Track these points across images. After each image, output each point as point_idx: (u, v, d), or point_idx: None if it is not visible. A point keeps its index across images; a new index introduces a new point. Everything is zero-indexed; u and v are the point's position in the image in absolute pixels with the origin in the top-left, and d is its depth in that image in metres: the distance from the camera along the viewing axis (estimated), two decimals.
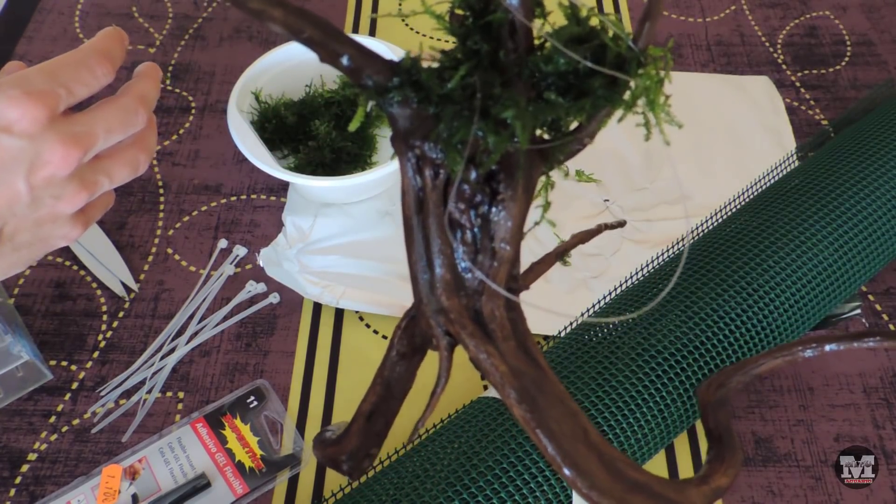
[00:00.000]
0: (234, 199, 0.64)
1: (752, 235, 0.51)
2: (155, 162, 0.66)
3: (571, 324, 0.52)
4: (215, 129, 0.69)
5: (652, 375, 0.46)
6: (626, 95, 0.24)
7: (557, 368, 0.47)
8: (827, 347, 0.35)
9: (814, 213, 0.52)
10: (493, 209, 0.25)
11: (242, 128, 0.60)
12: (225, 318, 0.57)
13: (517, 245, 0.25)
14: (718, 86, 0.72)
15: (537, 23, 0.24)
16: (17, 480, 0.50)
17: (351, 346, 0.56)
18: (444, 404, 0.53)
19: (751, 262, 0.50)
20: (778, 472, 0.51)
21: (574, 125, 0.25)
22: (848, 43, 0.77)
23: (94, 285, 0.59)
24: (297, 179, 0.57)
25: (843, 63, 0.75)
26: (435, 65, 0.25)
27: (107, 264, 0.59)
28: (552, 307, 0.57)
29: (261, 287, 0.58)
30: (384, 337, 0.57)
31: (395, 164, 0.58)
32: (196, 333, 0.56)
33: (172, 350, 0.55)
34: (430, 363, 0.57)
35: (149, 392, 0.54)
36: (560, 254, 0.30)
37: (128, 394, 0.54)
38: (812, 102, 0.72)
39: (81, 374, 0.55)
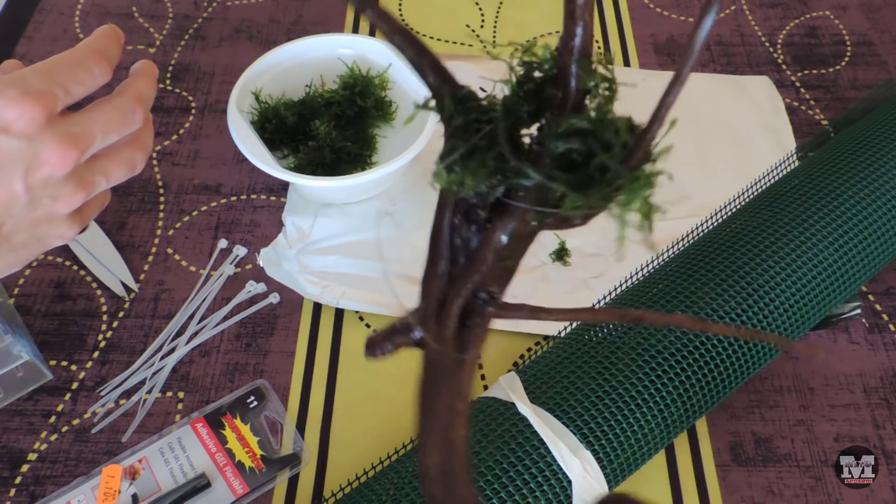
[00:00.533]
0: (234, 199, 0.64)
1: (752, 235, 0.51)
2: (155, 162, 0.66)
3: (571, 324, 0.52)
4: (215, 129, 0.69)
5: (652, 375, 0.46)
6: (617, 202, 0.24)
7: (557, 368, 0.47)
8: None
9: (814, 213, 0.52)
10: (478, 232, 0.26)
11: (242, 128, 0.60)
12: (225, 318, 0.57)
13: (483, 263, 0.26)
14: (718, 86, 0.72)
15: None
16: (17, 480, 0.50)
17: (351, 346, 0.56)
18: None
19: (751, 262, 0.50)
20: (778, 472, 0.51)
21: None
22: (848, 43, 0.77)
23: (94, 285, 0.59)
24: (297, 179, 0.57)
25: (843, 63, 0.75)
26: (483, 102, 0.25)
27: (107, 264, 0.59)
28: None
29: (261, 287, 0.58)
30: None
31: (395, 164, 0.58)
32: (196, 333, 0.57)
33: (172, 350, 0.55)
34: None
35: (149, 392, 0.54)
36: (535, 310, 0.31)
37: (128, 394, 0.54)
38: (812, 102, 0.72)
39: (81, 374, 0.55)
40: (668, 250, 0.55)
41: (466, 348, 0.29)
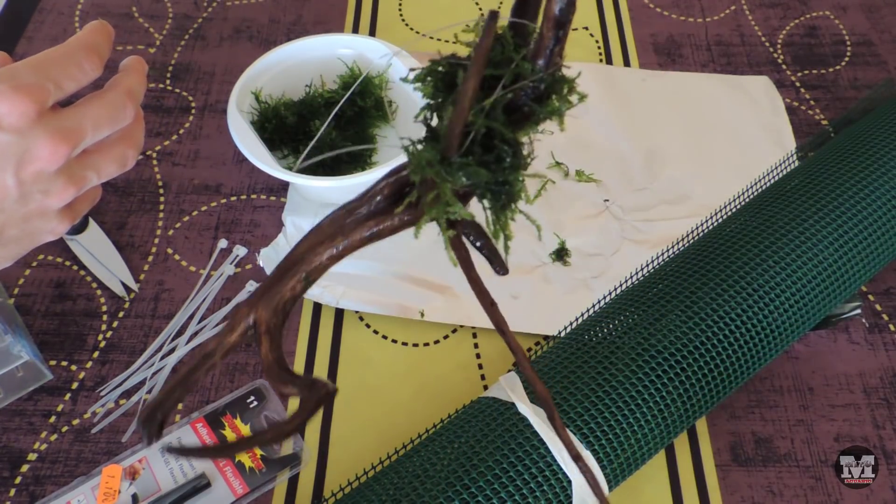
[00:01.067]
0: (234, 199, 0.64)
1: (752, 235, 0.51)
2: (155, 162, 0.66)
3: (571, 324, 0.52)
4: (215, 129, 0.69)
5: (652, 375, 0.46)
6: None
7: (557, 368, 0.47)
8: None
9: (814, 213, 0.52)
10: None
11: (242, 128, 0.60)
12: (225, 318, 0.57)
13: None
14: (718, 86, 0.72)
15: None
16: (17, 480, 0.50)
17: (351, 346, 0.56)
18: (444, 404, 0.53)
19: (751, 262, 0.50)
20: (778, 472, 0.51)
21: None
22: (848, 43, 0.77)
23: (94, 285, 0.59)
24: (297, 179, 0.57)
25: (843, 63, 0.75)
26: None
27: (107, 264, 0.59)
28: (552, 307, 0.58)
29: None
30: (384, 337, 0.57)
31: (395, 164, 0.58)
32: (196, 333, 0.56)
33: (172, 350, 0.55)
34: (428, 361, 0.57)
35: (149, 392, 0.54)
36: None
37: (128, 394, 0.54)
38: (812, 102, 0.72)
39: (81, 374, 0.55)
40: (668, 250, 0.55)
41: None
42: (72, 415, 0.53)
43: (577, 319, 0.52)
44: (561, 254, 0.61)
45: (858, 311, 0.56)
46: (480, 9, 0.79)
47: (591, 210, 0.63)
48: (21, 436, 0.52)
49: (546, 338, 0.56)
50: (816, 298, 0.50)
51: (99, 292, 0.59)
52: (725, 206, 0.56)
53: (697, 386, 0.47)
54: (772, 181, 0.58)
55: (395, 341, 0.57)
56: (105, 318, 0.57)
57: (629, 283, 0.53)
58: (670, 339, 0.47)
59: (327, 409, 0.53)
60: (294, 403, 0.54)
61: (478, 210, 0.31)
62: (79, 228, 0.61)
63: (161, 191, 0.65)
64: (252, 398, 0.53)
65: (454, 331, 0.57)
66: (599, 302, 0.53)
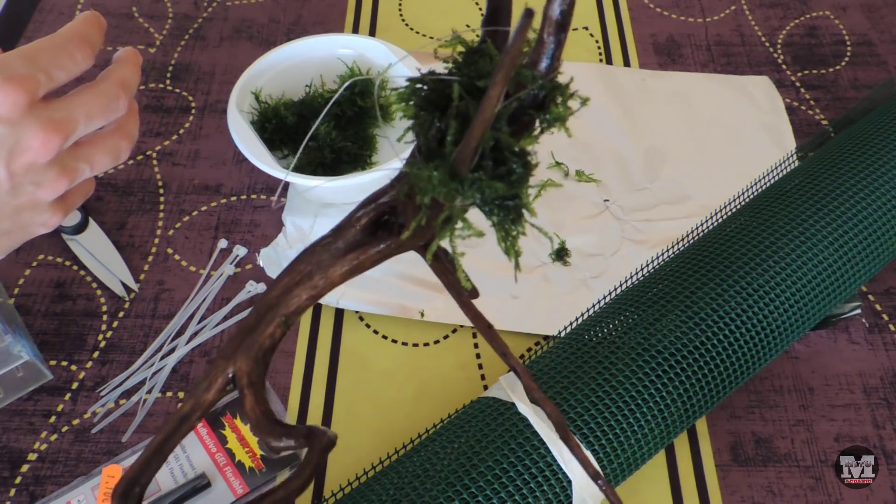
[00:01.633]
0: (234, 199, 0.64)
1: (751, 235, 0.51)
2: (155, 162, 0.66)
3: (571, 324, 0.52)
4: (215, 129, 0.69)
5: (652, 375, 0.46)
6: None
7: (557, 368, 0.47)
8: None
9: (814, 213, 0.52)
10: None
11: (242, 128, 0.60)
12: (225, 319, 0.57)
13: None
14: (718, 86, 0.72)
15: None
16: (17, 480, 0.50)
17: (351, 346, 0.56)
18: (444, 404, 0.53)
19: (751, 262, 0.50)
20: (778, 472, 0.51)
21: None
22: (848, 43, 0.77)
23: (94, 285, 0.59)
24: (297, 179, 0.57)
25: (843, 63, 0.75)
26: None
27: (107, 264, 0.59)
28: (552, 307, 0.58)
29: (261, 287, 0.58)
30: (384, 337, 0.57)
31: (394, 165, 0.58)
32: (196, 333, 0.56)
33: (172, 350, 0.55)
34: (428, 361, 0.57)
35: (149, 392, 0.54)
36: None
37: (128, 394, 0.54)
38: (812, 102, 0.72)
39: (81, 374, 0.55)
40: (668, 250, 0.55)
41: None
42: (72, 415, 0.53)
43: (577, 319, 0.52)
44: (561, 254, 0.60)
45: (858, 311, 0.56)
46: (480, 9, 0.79)
47: (591, 210, 0.63)
48: (21, 436, 0.52)
49: (546, 338, 0.56)
50: (816, 298, 0.50)
51: (99, 292, 0.59)
52: (725, 206, 0.56)
53: (697, 386, 0.47)
54: (772, 181, 0.58)
55: (395, 341, 0.57)
56: (105, 318, 0.57)
57: (629, 283, 0.53)
58: (670, 339, 0.47)
59: (327, 409, 0.53)
60: (294, 405, 0.54)
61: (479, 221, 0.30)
62: (79, 228, 0.61)
63: (161, 191, 0.65)
64: None
65: (454, 331, 0.57)
66: (599, 302, 0.53)
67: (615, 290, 0.53)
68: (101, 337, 0.56)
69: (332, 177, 0.57)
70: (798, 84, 0.74)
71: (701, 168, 0.66)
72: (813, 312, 0.51)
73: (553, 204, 0.64)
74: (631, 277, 0.53)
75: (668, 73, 0.74)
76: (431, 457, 0.44)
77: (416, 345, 0.57)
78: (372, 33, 0.77)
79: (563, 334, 0.52)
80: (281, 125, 0.64)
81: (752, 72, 0.74)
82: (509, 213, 0.28)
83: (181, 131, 0.69)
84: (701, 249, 0.52)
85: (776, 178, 0.58)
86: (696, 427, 0.53)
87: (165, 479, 0.49)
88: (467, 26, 0.77)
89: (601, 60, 0.75)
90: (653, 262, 0.54)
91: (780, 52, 0.76)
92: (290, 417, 0.53)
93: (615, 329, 0.48)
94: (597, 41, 0.77)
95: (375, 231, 0.31)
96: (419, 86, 0.27)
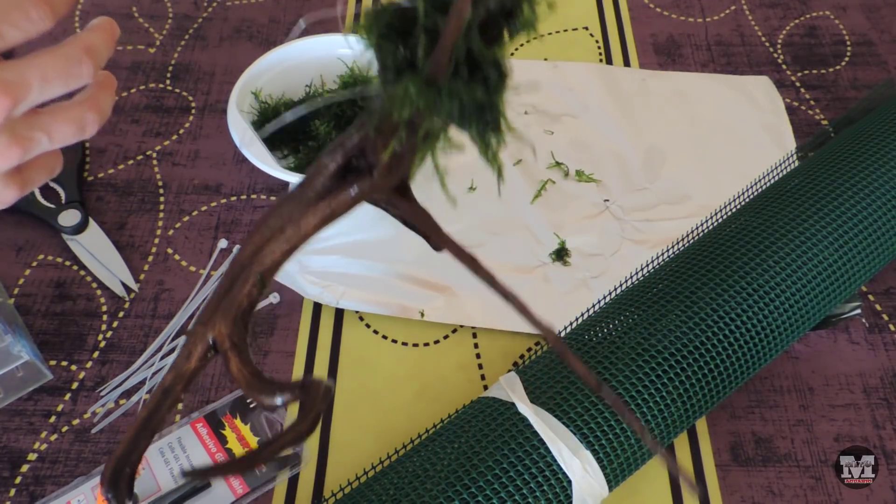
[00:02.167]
0: (234, 199, 0.64)
1: (752, 235, 0.51)
2: (155, 162, 0.66)
3: (571, 324, 0.52)
4: (215, 129, 0.69)
5: (652, 375, 0.46)
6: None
7: (557, 368, 0.47)
8: None
9: (814, 213, 0.52)
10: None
11: (242, 128, 0.60)
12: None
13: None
14: (718, 86, 0.72)
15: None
16: (17, 480, 0.50)
17: (351, 346, 0.56)
18: (444, 404, 0.53)
19: (751, 262, 0.50)
20: (778, 472, 0.51)
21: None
22: (848, 43, 0.77)
23: (94, 285, 0.59)
24: (297, 179, 0.57)
25: (843, 63, 0.75)
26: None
27: (107, 264, 0.59)
28: (552, 307, 0.58)
29: None
30: (384, 337, 0.57)
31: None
32: None
33: (172, 350, 0.55)
34: (428, 361, 0.57)
35: (149, 392, 0.54)
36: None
37: (128, 394, 0.54)
38: (812, 102, 0.72)
39: (81, 374, 0.55)
40: (668, 250, 0.55)
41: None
42: (72, 415, 0.53)
43: (577, 319, 0.52)
44: (561, 254, 0.61)
45: (858, 311, 0.56)
46: None
47: (591, 210, 0.63)
48: (21, 436, 0.52)
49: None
50: (816, 298, 0.50)
51: (99, 292, 0.59)
52: (725, 206, 0.56)
53: (697, 386, 0.47)
54: (772, 181, 0.58)
55: (395, 341, 0.57)
56: (105, 318, 0.57)
57: (629, 283, 0.53)
58: (670, 339, 0.47)
59: (327, 410, 0.53)
60: (294, 405, 0.54)
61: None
62: (79, 228, 0.61)
63: (161, 191, 0.65)
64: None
65: (454, 331, 0.57)
66: (599, 302, 0.53)
67: (615, 290, 0.53)
68: (101, 337, 0.56)
69: None
70: (798, 84, 0.74)
71: (701, 168, 0.66)
72: (813, 312, 0.51)
73: (553, 204, 0.64)
74: (631, 277, 0.53)
75: (668, 73, 0.74)
76: (431, 457, 0.44)
77: (416, 345, 0.57)
78: None
79: (563, 334, 0.52)
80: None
81: (752, 72, 0.74)
82: (488, 124, 0.28)
83: (181, 131, 0.69)
84: (701, 249, 0.52)
85: (776, 178, 0.58)
86: (696, 427, 0.53)
87: (165, 478, 0.49)
88: None
89: (601, 60, 0.75)
90: (653, 262, 0.54)
91: (780, 52, 0.76)
92: (290, 417, 0.53)
93: (615, 329, 0.48)
94: (597, 41, 0.77)
95: (345, 176, 0.30)
96: (380, 15, 0.27)
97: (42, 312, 0.57)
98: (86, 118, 0.38)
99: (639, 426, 0.32)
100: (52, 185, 0.63)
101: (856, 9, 0.80)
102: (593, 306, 0.53)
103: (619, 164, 0.66)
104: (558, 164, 0.66)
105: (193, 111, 0.70)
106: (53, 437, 0.52)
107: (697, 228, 0.55)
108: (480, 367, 0.56)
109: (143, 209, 0.63)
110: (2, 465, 0.51)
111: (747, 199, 0.57)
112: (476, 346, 0.57)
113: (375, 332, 0.57)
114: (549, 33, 0.77)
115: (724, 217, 0.56)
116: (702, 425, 0.53)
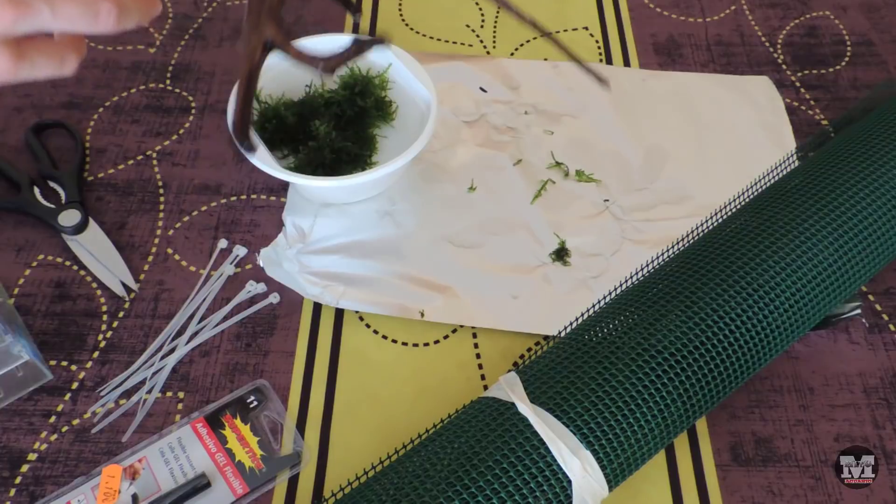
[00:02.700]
0: (234, 199, 0.64)
1: (752, 235, 0.51)
2: (155, 162, 0.66)
3: (571, 324, 0.52)
4: (215, 129, 0.69)
5: (652, 375, 0.46)
6: None
7: (557, 368, 0.47)
8: None
9: (814, 213, 0.52)
10: None
11: None
12: (225, 318, 0.57)
13: None
14: (718, 86, 0.72)
15: None
16: (17, 480, 0.50)
17: (351, 346, 0.57)
18: (444, 404, 0.53)
19: (751, 262, 0.50)
20: (778, 472, 0.51)
21: None
22: (848, 43, 0.77)
23: (94, 285, 0.59)
24: (297, 179, 0.57)
25: (843, 63, 0.75)
26: None
27: (107, 264, 0.59)
28: (552, 307, 0.58)
29: (261, 287, 0.58)
30: (384, 337, 0.57)
31: (395, 165, 0.58)
32: (196, 333, 0.57)
33: (172, 350, 0.55)
34: (428, 361, 0.57)
35: (149, 392, 0.54)
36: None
37: (128, 394, 0.54)
38: (812, 102, 0.72)
39: (81, 374, 0.55)
40: (668, 250, 0.55)
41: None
42: (72, 415, 0.53)
43: (577, 319, 0.52)
44: (561, 254, 0.61)
45: (858, 311, 0.56)
46: (481, 9, 0.79)
47: (591, 210, 0.63)
48: (21, 436, 0.52)
49: (546, 338, 0.56)
50: (816, 298, 0.50)
51: (99, 292, 0.59)
52: (725, 206, 0.56)
53: (697, 386, 0.47)
54: (772, 181, 0.58)
55: (395, 341, 0.57)
56: (105, 318, 0.57)
57: (629, 283, 0.53)
58: (670, 339, 0.47)
59: (327, 409, 0.54)
60: (294, 405, 0.54)
61: None
62: (79, 228, 0.61)
63: (161, 191, 0.65)
64: (252, 398, 0.53)
65: (454, 331, 0.57)
66: (599, 302, 0.53)
67: (615, 290, 0.53)
68: (101, 337, 0.56)
69: (332, 177, 0.57)
70: (798, 84, 0.74)
71: (701, 168, 0.66)
72: (813, 312, 0.51)
73: (553, 204, 0.64)
74: (631, 277, 0.53)
75: (668, 73, 0.74)
76: (431, 457, 0.44)
77: (416, 345, 0.57)
78: (372, 33, 0.77)
79: (563, 334, 0.52)
80: (281, 125, 0.64)
81: (752, 72, 0.74)
82: None
83: (181, 131, 0.69)
84: (701, 249, 0.52)
85: (776, 178, 0.58)
86: (696, 427, 0.53)
87: (165, 478, 0.49)
88: (467, 26, 0.77)
89: (601, 60, 0.75)
90: (653, 262, 0.54)
91: (780, 52, 0.76)
92: (291, 417, 0.53)
93: (615, 329, 0.48)
94: (597, 41, 0.77)
95: None
96: None
97: (42, 312, 0.57)
98: (100, 7, 0.36)
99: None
100: (52, 185, 0.63)
101: (856, 9, 0.80)
102: (593, 306, 0.53)
103: (619, 164, 0.66)
104: (558, 164, 0.66)
105: (193, 111, 0.70)
106: (53, 437, 0.52)
107: (697, 228, 0.55)
108: (480, 367, 0.56)
109: (143, 209, 0.63)
110: (2, 465, 0.51)
111: (747, 199, 0.57)
112: (476, 346, 0.57)
113: (375, 332, 0.57)
114: (549, 33, 0.77)
115: (724, 217, 0.56)
116: (702, 425, 0.53)
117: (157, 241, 0.62)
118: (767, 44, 0.77)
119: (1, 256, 0.60)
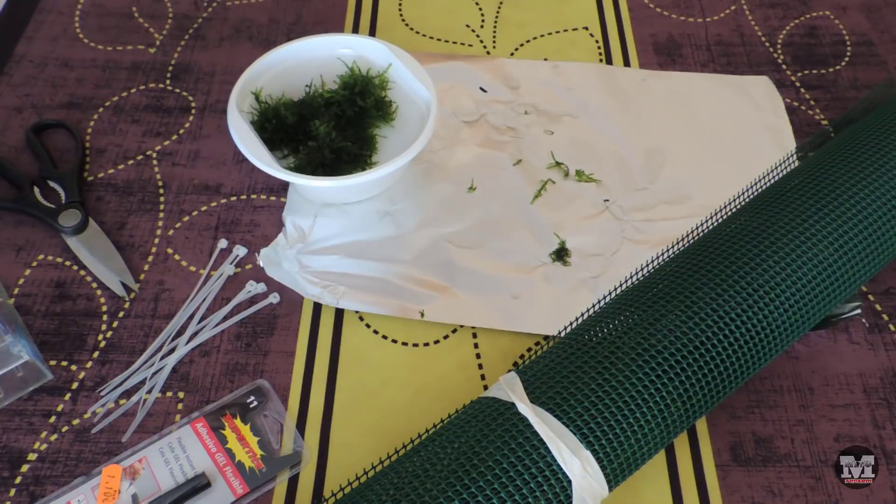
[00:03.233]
0: (234, 199, 0.64)
1: (752, 235, 0.51)
2: (155, 162, 0.66)
3: (571, 324, 0.52)
4: (215, 129, 0.69)
5: (652, 375, 0.46)
6: None
7: (557, 368, 0.47)
8: None
9: (814, 213, 0.52)
10: None
11: (242, 128, 0.60)
12: (225, 318, 0.57)
13: None
14: (718, 86, 0.72)
15: None
16: (17, 480, 0.50)
17: (351, 346, 0.57)
18: (444, 404, 0.53)
19: (751, 262, 0.50)
20: (778, 472, 0.51)
21: None
22: (848, 43, 0.77)
23: (94, 285, 0.59)
24: (297, 179, 0.57)
25: (843, 63, 0.75)
26: None
27: (107, 264, 0.59)
28: (552, 307, 0.58)
29: (261, 287, 0.58)
30: (384, 337, 0.57)
31: (395, 165, 0.58)
32: (196, 333, 0.57)
33: (172, 350, 0.55)
34: (428, 361, 0.57)
35: (149, 392, 0.54)
36: None
37: (128, 394, 0.54)
38: (812, 102, 0.72)
39: (81, 374, 0.55)
40: (668, 250, 0.55)
41: None
42: (72, 415, 0.53)
43: (577, 319, 0.52)
44: (561, 254, 0.61)
45: (858, 311, 0.56)
46: (481, 9, 0.79)
47: (591, 210, 0.63)
48: (21, 436, 0.52)
49: (546, 338, 0.56)
50: (816, 298, 0.50)
51: (99, 292, 0.59)
52: (725, 206, 0.56)
53: (697, 386, 0.47)
54: (772, 181, 0.58)
55: (395, 341, 0.57)
56: (105, 318, 0.57)
57: (629, 283, 0.53)
58: (670, 339, 0.47)
59: (327, 409, 0.54)
60: (294, 405, 0.54)
61: None
62: (79, 228, 0.61)
63: (161, 191, 0.65)
64: (252, 398, 0.53)
65: (454, 331, 0.57)
66: (599, 302, 0.53)
67: (615, 290, 0.53)
68: (101, 337, 0.56)
69: (332, 177, 0.57)
70: (798, 84, 0.74)
71: (701, 168, 0.66)
72: (813, 312, 0.51)
73: (553, 204, 0.64)
74: (631, 277, 0.53)
75: (668, 73, 0.74)
76: (431, 457, 0.44)
77: (416, 345, 0.57)
78: (372, 33, 0.77)
79: (563, 334, 0.52)
80: (281, 125, 0.64)
81: (752, 72, 0.74)
82: None
83: (181, 131, 0.69)
84: (701, 249, 0.52)
85: (776, 177, 0.58)
86: (696, 427, 0.53)
87: (165, 478, 0.49)
88: (467, 26, 0.77)
89: (601, 60, 0.75)
90: (653, 262, 0.54)
91: (780, 52, 0.76)
92: (291, 417, 0.53)
93: (615, 329, 0.48)
94: (597, 41, 0.77)
95: None
96: None
97: (42, 312, 0.57)
98: None
99: None
100: (53, 185, 0.63)
101: (856, 9, 0.80)
102: (593, 306, 0.53)
103: (619, 164, 0.66)
104: (558, 164, 0.66)
105: (193, 111, 0.70)
106: (53, 437, 0.52)
107: (697, 228, 0.55)
108: (480, 367, 0.56)
109: (142, 209, 0.63)
110: (2, 465, 0.51)
111: (747, 199, 0.57)
112: (476, 346, 0.57)
113: (375, 332, 0.57)
114: (549, 33, 0.77)
115: (724, 217, 0.56)
116: (702, 425, 0.53)
117: (157, 241, 0.62)
118: (767, 44, 0.77)
119: (1, 256, 0.60)
